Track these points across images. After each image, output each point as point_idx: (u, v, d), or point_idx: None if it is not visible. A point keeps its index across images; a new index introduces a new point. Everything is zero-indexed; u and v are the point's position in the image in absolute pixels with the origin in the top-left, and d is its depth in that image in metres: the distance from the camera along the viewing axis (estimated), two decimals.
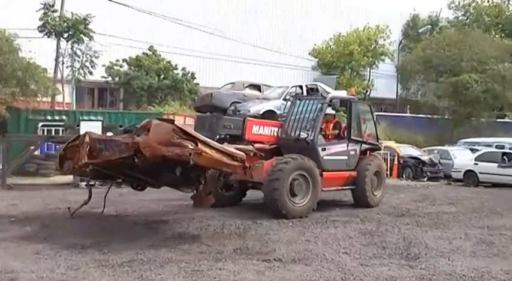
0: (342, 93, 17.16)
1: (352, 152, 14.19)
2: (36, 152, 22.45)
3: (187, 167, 9.19)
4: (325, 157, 13.43)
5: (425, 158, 26.11)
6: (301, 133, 13.40)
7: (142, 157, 8.57)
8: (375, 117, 16.10)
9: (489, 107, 36.04)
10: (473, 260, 8.63)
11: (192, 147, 8.56)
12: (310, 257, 8.57)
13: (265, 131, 13.85)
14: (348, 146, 14.09)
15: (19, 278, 7.21)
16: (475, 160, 23.41)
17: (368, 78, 43.03)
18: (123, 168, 9.78)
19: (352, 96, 15.27)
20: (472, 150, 26.24)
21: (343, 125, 14.87)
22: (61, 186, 19.26)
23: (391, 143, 28.56)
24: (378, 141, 15.62)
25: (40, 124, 24.30)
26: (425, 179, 25.01)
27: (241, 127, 13.21)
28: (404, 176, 25.66)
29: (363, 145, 14.62)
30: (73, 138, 10.76)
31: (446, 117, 36.98)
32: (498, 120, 38.65)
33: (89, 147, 9.74)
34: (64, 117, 25.44)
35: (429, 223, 12.15)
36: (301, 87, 17.35)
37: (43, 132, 24.41)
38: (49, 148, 24.81)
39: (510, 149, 25.17)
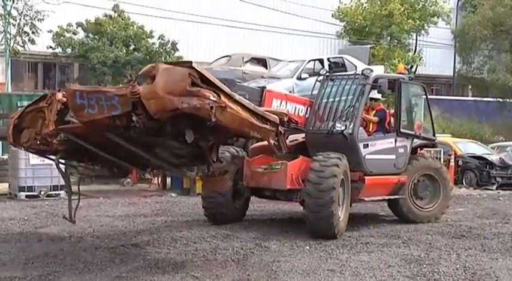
0: (379, 70, 17.17)
1: (401, 150, 14.23)
2: None
3: (202, 132, 9.03)
4: (367, 156, 13.50)
5: (493, 158, 26.09)
6: (337, 124, 13.37)
7: (143, 113, 8.23)
8: (429, 104, 16.14)
9: None
10: None
11: (214, 98, 8.17)
12: None
13: (290, 108, 13.92)
14: (396, 141, 14.15)
15: None
16: None
17: (414, 48, 42.93)
18: (110, 136, 9.23)
19: (401, 75, 15.16)
20: None
21: (389, 113, 14.98)
22: None
23: (447, 138, 28.50)
24: (434, 135, 15.71)
25: None
26: (494, 186, 24.96)
27: (259, 99, 13.34)
28: (464, 182, 25.66)
29: (415, 140, 14.72)
30: (35, 100, 10.30)
31: None
32: None
33: (60, 108, 9.31)
34: None
35: (500, 248, 12.09)
36: (321, 61, 17.37)
37: None
38: None
39: None
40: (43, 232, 13.25)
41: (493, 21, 37.49)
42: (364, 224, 14.34)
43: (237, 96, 8.78)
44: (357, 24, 41.13)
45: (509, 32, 37.71)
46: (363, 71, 14.28)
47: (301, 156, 13.19)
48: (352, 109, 13.63)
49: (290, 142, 13.44)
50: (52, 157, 11.12)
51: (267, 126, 9.45)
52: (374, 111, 14.68)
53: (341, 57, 15.77)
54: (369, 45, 29.46)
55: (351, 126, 13.35)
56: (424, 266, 10.36)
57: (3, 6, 30.68)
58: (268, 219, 15.04)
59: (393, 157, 14.07)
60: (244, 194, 14.05)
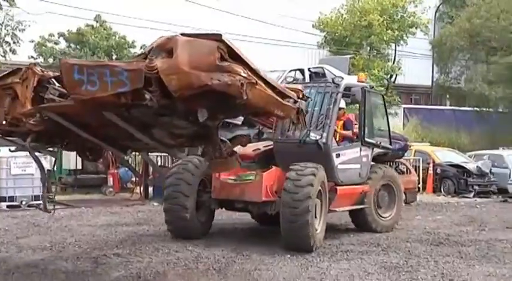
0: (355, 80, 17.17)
1: (365, 159, 14.10)
2: None
3: (216, 111, 8.26)
4: (339, 166, 13.28)
5: (471, 166, 26.13)
6: (311, 134, 13.07)
7: (157, 91, 7.46)
8: (387, 113, 16.06)
9: None
10: None
11: (244, 74, 7.47)
12: None
13: None
14: (360, 150, 13.98)
15: None
16: None
17: (393, 58, 43.13)
18: (107, 115, 8.28)
19: (363, 83, 14.73)
20: None
21: (355, 122, 14.79)
22: None
23: (425, 146, 28.70)
24: (390, 144, 15.49)
25: None
26: (472, 194, 25.04)
27: None
28: (442, 190, 25.77)
29: (375, 149, 14.58)
30: (3, 74, 9.21)
31: (500, 110, 37.07)
32: None
33: (35, 83, 8.58)
34: None
35: (477, 255, 12.15)
36: (302, 71, 17.34)
37: None
38: None
39: None
40: (24, 242, 13.14)
41: (469, 32, 37.66)
42: (344, 232, 14.37)
43: (261, 72, 8.04)
44: (337, 34, 41.28)
45: (485, 42, 37.87)
46: (333, 79, 13.88)
47: (274, 166, 12.77)
48: (325, 118, 13.34)
49: (253, 150, 13.23)
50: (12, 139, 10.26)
51: (289, 104, 8.94)
52: (341, 122, 14.32)
53: (321, 67, 15.71)
54: (349, 56, 29.34)
55: (325, 135, 13.08)
56: (403, 273, 10.39)
57: None
58: (248, 228, 14.99)
59: (358, 166, 13.89)
60: (211, 207, 13.49)
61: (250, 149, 13.12)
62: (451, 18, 43.30)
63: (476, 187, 25.35)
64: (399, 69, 42.56)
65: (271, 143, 13.56)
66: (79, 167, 24.68)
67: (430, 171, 25.92)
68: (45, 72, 8.79)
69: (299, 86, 10.48)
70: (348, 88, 13.78)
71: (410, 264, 11.09)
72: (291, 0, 40.80)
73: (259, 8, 39.48)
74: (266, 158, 13.18)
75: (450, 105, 44.43)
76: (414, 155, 25.87)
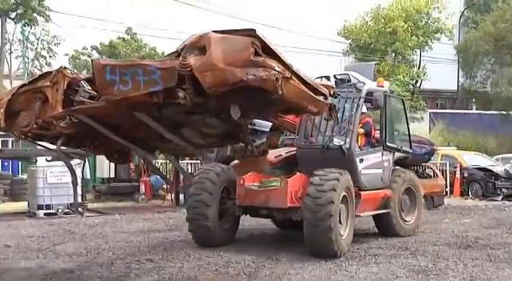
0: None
1: (386, 164, 13.92)
2: None
3: (249, 108, 8.01)
4: (363, 171, 13.09)
5: (498, 169, 25.88)
6: (335, 139, 12.89)
7: (191, 88, 7.32)
8: (407, 116, 15.92)
9: None
10: None
11: (279, 69, 7.28)
12: None
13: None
14: (382, 155, 13.82)
15: None
16: None
17: (418, 64, 42.92)
18: (139, 115, 8.11)
19: (384, 88, 14.50)
20: None
21: (374, 126, 14.54)
22: (11, 216, 19.35)
23: (452, 150, 28.48)
24: (410, 148, 15.27)
25: None
26: (500, 197, 24.75)
27: None
28: (470, 193, 25.42)
29: (396, 154, 14.40)
30: (31, 80, 9.09)
31: None
32: None
33: (65, 86, 8.43)
34: None
35: (506, 258, 12.00)
36: (328, 78, 17.33)
37: None
38: None
39: None
40: (60, 248, 13.24)
41: (494, 37, 37.37)
42: (372, 236, 14.24)
43: (294, 67, 7.75)
44: (362, 41, 41.20)
45: (510, 46, 37.52)
46: (355, 85, 13.66)
47: (297, 173, 12.58)
48: (348, 124, 13.13)
49: (275, 157, 13.03)
50: (43, 143, 9.92)
51: (322, 99, 8.59)
52: (360, 124, 13.90)
53: (347, 74, 15.65)
54: (374, 62, 29.25)
55: (348, 140, 12.88)
56: (432, 276, 10.29)
57: (21, 32, 30.89)
58: (276, 233, 14.93)
59: (380, 171, 13.70)
60: (235, 214, 13.21)
61: (272, 155, 12.74)
62: (475, 23, 42.97)
63: (504, 190, 25.04)
64: (424, 74, 42.41)
65: (292, 149, 13.45)
66: (112, 175, 24.87)
67: (457, 175, 25.63)
68: (75, 75, 8.69)
69: (329, 83, 10.32)
70: (369, 93, 13.58)
71: (439, 267, 10.99)
72: (315, 8, 40.77)
73: (286, 17, 39.51)
74: (289, 164, 13.07)
75: (476, 109, 44.12)
76: (441, 159, 25.65)
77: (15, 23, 30.67)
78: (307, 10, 41.05)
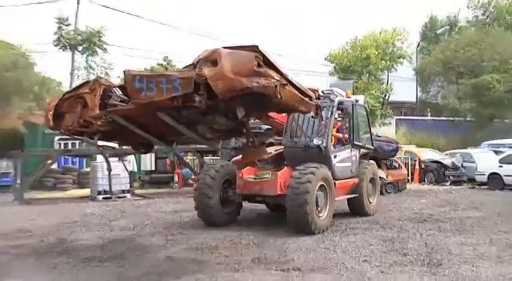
0: (361, 98, 16.92)
1: (354, 158, 13.78)
2: (53, 166, 22.81)
3: (250, 108, 7.87)
4: (336, 164, 12.89)
5: (447, 161, 25.80)
6: (314, 140, 12.73)
7: (204, 94, 7.20)
8: (369, 120, 15.69)
9: None
10: (499, 267, 8.45)
11: (277, 78, 7.22)
12: (330, 266, 8.51)
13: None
14: (351, 151, 13.66)
15: None
16: (500, 162, 22.98)
17: (386, 82, 42.85)
18: (161, 116, 8.09)
19: (351, 99, 14.33)
20: (497, 152, 25.82)
21: (345, 129, 14.31)
22: (78, 199, 19.49)
23: (412, 147, 28.37)
24: (372, 145, 15.12)
25: (57, 138, 24.56)
26: (448, 183, 24.71)
27: None
28: (426, 180, 25.37)
29: (361, 150, 14.29)
30: (74, 88, 9.01)
31: (468, 119, 36.63)
32: None
33: (101, 92, 8.42)
34: None
35: (452, 229, 11.98)
36: (323, 93, 17.25)
37: (59, 146, 24.72)
38: (66, 162, 25.21)
39: None
40: (114, 224, 13.30)
41: (443, 61, 37.24)
42: (351, 215, 13.99)
43: (289, 76, 7.73)
44: (343, 65, 41.19)
45: (455, 68, 37.41)
46: (329, 96, 13.27)
47: (285, 167, 12.28)
48: (324, 127, 12.89)
49: (267, 154, 12.66)
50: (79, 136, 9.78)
51: (311, 101, 8.52)
52: (335, 128, 13.79)
53: (331, 90, 15.62)
54: (352, 80, 29.26)
55: (325, 140, 12.63)
56: (396, 243, 10.28)
57: (86, 61, 31.28)
58: (270, 215, 14.58)
59: (350, 164, 13.53)
60: (236, 201, 12.80)
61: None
62: (429, 51, 42.87)
63: (451, 177, 25.05)
64: (391, 90, 42.38)
65: (280, 147, 13.28)
66: (153, 168, 24.94)
67: (417, 166, 25.60)
68: (109, 83, 8.65)
69: (315, 87, 10.20)
70: (340, 103, 13.41)
71: (402, 237, 10.97)
72: (308, 39, 40.81)
73: (284, 44, 39.54)
74: (278, 159, 12.88)
75: (430, 116, 43.93)
76: (404, 155, 25.55)
77: (81, 54, 30.95)
78: (301, 40, 41.10)
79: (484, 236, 10.96)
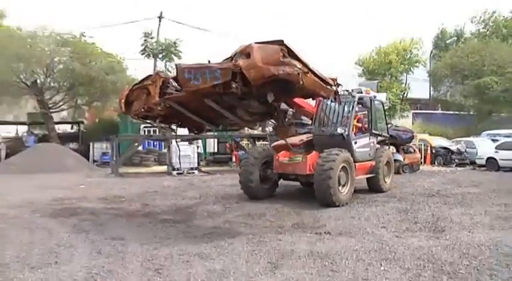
0: (382, 96, 16.53)
1: (372, 144, 13.50)
2: (139, 148, 23.44)
3: (279, 94, 7.61)
4: (357, 150, 12.67)
5: (453, 147, 25.16)
6: (338, 128, 12.48)
7: (240, 81, 7.09)
8: (385, 113, 15.17)
9: (508, 104, 34.44)
10: (490, 232, 8.30)
11: (299, 66, 7.05)
12: (354, 231, 8.48)
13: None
14: (369, 138, 13.38)
15: (127, 244, 7.55)
16: (496, 148, 22.25)
17: (405, 82, 41.93)
18: (206, 101, 7.97)
19: (370, 95, 13.96)
20: (494, 140, 25.03)
21: (365, 120, 13.92)
22: (158, 174, 19.88)
23: (425, 136, 27.74)
24: (387, 133, 14.75)
25: (142, 126, 25.17)
26: (454, 165, 24.04)
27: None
28: (436, 163, 24.76)
29: (378, 137, 13.97)
30: (140, 80, 9.00)
31: (471, 113, 35.83)
32: None
33: (161, 83, 8.33)
34: None
35: (455, 202, 11.71)
36: (348, 91, 17.01)
37: (144, 132, 25.33)
38: (149, 144, 25.81)
39: None
40: (185, 194, 13.52)
41: (451, 66, 36.38)
42: (372, 192, 13.75)
43: (310, 65, 7.46)
44: (370, 68, 40.54)
45: (461, 72, 36.42)
46: (351, 93, 13.12)
47: (314, 151, 12.07)
48: (347, 118, 12.72)
49: (299, 140, 12.64)
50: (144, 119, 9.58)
51: (330, 88, 8.21)
52: (355, 119, 13.36)
53: (360, 88, 15.34)
54: (377, 81, 28.71)
55: (347, 129, 12.41)
56: (409, 213, 10.14)
57: (165, 67, 31.62)
58: (302, 190, 14.43)
59: (368, 149, 13.23)
60: (273, 179, 12.50)
61: (297, 139, 12.66)
62: (440, 57, 41.77)
63: (456, 161, 24.39)
64: (409, 88, 41.47)
65: (310, 135, 13.08)
66: (216, 150, 25.18)
67: (428, 151, 25.03)
68: (167, 76, 8.64)
69: (333, 76, 10.09)
70: (360, 98, 13.18)
71: (414, 208, 10.80)
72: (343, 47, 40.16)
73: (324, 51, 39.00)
74: (308, 145, 12.68)
75: (441, 110, 42.84)
76: (418, 142, 25.02)
77: (161, 60, 31.42)
78: (336, 48, 40.43)
79: (480, 209, 10.71)
